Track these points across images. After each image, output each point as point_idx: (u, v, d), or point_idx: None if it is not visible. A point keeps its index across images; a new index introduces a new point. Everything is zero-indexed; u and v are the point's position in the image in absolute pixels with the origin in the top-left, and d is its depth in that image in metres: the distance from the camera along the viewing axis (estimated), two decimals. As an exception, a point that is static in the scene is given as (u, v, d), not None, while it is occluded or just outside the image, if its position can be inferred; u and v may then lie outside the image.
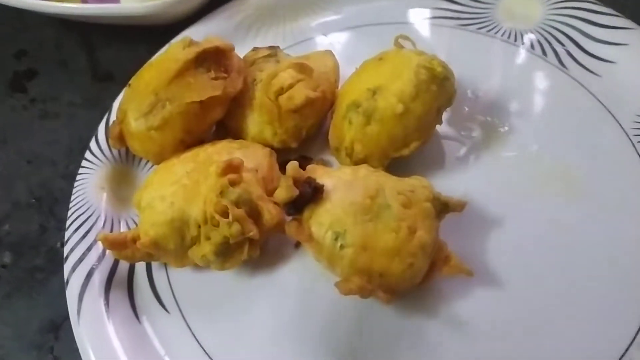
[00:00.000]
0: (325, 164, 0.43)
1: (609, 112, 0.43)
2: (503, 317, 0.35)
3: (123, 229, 0.42)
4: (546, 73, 0.46)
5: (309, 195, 0.35)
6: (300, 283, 0.38)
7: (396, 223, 0.34)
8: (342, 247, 0.33)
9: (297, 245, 0.40)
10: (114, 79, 0.55)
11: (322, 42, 0.52)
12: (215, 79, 0.40)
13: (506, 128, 0.44)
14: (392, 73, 0.39)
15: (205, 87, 0.40)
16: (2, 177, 0.48)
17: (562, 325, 0.35)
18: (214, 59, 0.41)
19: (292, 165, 0.36)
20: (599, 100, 0.44)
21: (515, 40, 0.48)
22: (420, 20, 0.51)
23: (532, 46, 0.48)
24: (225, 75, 0.41)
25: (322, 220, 0.34)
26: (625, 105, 0.43)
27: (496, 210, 0.40)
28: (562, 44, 0.47)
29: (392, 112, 0.37)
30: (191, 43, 0.41)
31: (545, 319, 0.35)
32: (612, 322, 0.35)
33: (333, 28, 0.52)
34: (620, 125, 0.43)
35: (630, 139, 0.42)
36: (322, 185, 0.35)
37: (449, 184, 0.41)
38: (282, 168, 0.41)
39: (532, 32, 0.48)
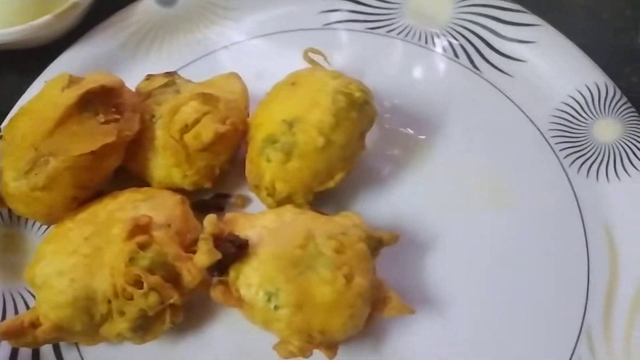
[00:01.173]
0: (244, 200, 0.40)
1: (524, 113, 0.43)
2: (449, 345, 0.35)
3: (20, 305, 0.36)
4: (460, 76, 0.45)
5: (233, 255, 0.31)
6: (233, 339, 0.35)
7: (331, 273, 0.31)
8: (276, 307, 0.31)
9: (225, 298, 0.36)
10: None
11: (225, 56, 0.47)
12: (106, 122, 0.35)
13: (425, 139, 0.42)
14: (308, 101, 0.36)
15: (95, 134, 0.34)
16: None
17: (507, 341, 0.35)
18: (101, 99, 0.35)
19: (210, 221, 0.32)
20: (513, 102, 0.44)
21: (427, 42, 0.47)
22: (326, 25, 0.48)
23: (443, 49, 0.46)
24: (118, 116, 0.36)
25: (250, 281, 0.31)
26: (538, 105, 0.43)
27: (426, 231, 0.39)
28: (473, 44, 0.46)
29: (313, 146, 0.35)
30: (71, 82, 0.36)
31: (489, 339, 0.35)
32: (554, 333, 0.35)
33: (235, 39, 0.48)
34: (536, 126, 0.43)
35: (547, 140, 0.42)
36: (247, 241, 0.32)
37: (376, 208, 0.39)
38: (198, 209, 0.38)
39: (442, 33, 0.47)
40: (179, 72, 0.44)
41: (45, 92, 0.36)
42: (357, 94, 0.36)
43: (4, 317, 0.35)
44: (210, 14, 0.48)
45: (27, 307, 0.36)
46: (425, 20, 0.48)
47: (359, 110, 0.36)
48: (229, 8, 0.48)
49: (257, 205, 0.39)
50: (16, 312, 0.36)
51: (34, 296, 0.36)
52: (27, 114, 0.35)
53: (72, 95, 0.34)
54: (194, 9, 0.48)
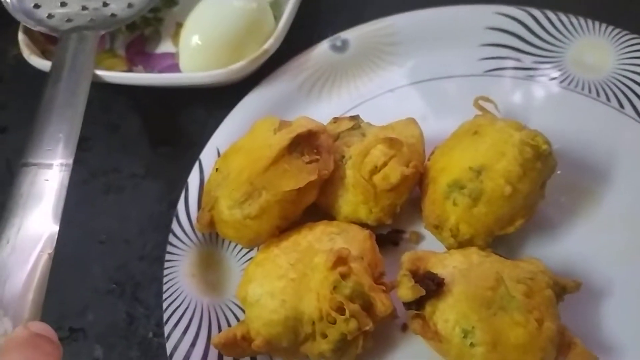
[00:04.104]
0: (418, 236, 0.43)
1: (696, 165, 0.43)
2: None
3: (221, 318, 0.41)
4: (625, 127, 0.46)
5: (433, 292, 0.34)
6: (412, 368, 0.38)
7: (523, 316, 0.33)
8: (472, 345, 0.33)
9: (405, 328, 0.39)
10: (173, 145, 0.53)
11: (390, 99, 0.51)
12: (309, 162, 0.40)
13: (592, 187, 0.44)
14: (494, 150, 0.38)
15: (302, 172, 0.39)
16: (75, 260, 0.47)
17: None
18: (305, 141, 0.40)
19: (408, 258, 0.36)
20: (683, 154, 0.44)
21: (590, 91, 0.48)
22: (487, 72, 0.51)
23: (607, 98, 0.47)
24: (318, 157, 0.40)
25: (447, 317, 0.34)
26: None
27: (599, 280, 0.39)
28: (638, 95, 0.47)
29: (500, 194, 0.37)
30: (281, 125, 0.40)
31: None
32: None
33: (399, 83, 0.51)
34: None
35: None
36: (443, 279, 0.35)
37: (547, 253, 0.40)
38: (376, 243, 0.41)
39: (605, 83, 0.48)
40: (349, 114, 0.49)
41: (257, 132, 0.41)
42: (544, 147, 0.38)
43: (209, 328, 0.40)
44: (378, 60, 0.52)
45: (227, 318, 0.41)
46: (587, 69, 0.49)
47: (543, 161, 0.38)
48: (394, 54, 0.52)
49: (428, 243, 0.42)
50: (219, 323, 0.41)
51: (231, 311, 0.41)
52: (242, 151, 0.40)
53: (286, 138, 0.39)
54: (363, 55, 0.52)
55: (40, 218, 0.38)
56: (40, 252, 0.36)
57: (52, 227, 0.38)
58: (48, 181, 0.40)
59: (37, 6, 0.54)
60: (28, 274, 0.35)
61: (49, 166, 0.41)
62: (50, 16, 0.54)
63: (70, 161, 0.42)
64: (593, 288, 0.39)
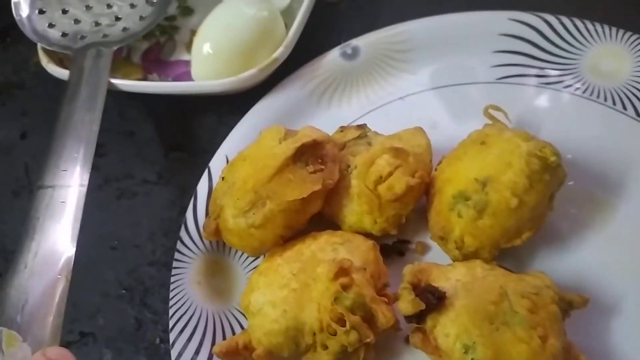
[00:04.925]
0: (424, 247, 0.42)
1: None
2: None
3: (226, 326, 0.41)
4: (641, 136, 0.45)
5: (434, 306, 0.34)
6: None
7: (526, 332, 0.33)
8: (473, 360, 0.32)
9: (408, 340, 0.39)
10: (185, 151, 0.54)
11: (401, 107, 0.50)
12: (314, 172, 0.40)
13: (605, 197, 0.42)
14: (500, 162, 0.37)
15: (306, 182, 0.39)
16: (88, 265, 0.48)
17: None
18: (310, 151, 0.40)
19: (410, 270, 0.35)
20: None
21: (605, 99, 0.47)
22: (500, 79, 0.50)
23: (623, 106, 0.46)
24: (322, 166, 0.40)
25: (448, 331, 0.33)
26: None
27: (610, 293, 0.38)
28: (656, 104, 0.45)
29: (506, 207, 0.36)
30: (286, 135, 0.41)
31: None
32: None
33: (409, 91, 0.51)
34: None
35: None
36: (445, 293, 0.34)
37: (556, 265, 0.40)
38: (381, 253, 0.41)
39: (621, 90, 0.47)
40: (358, 121, 0.48)
41: (263, 141, 0.41)
42: (552, 158, 0.37)
43: (214, 335, 0.41)
44: (388, 67, 0.52)
45: (231, 327, 0.41)
46: (603, 76, 0.47)
47: (551, 173, 0.37)
48: (405, 61, 0.52)
49: (435, 253, 0.42)
50: (223, 331, 0.41)
51: (236, 318, 0.42)
52: (248, 160, 0.41)
53: (290, 147, 0.39)
54: (374, 62, 0.52)
55: (57, 241, 0.38)
56: (58, 276, 0.36)
57: (69, 250, 0.38)
58: (64, 203, 0.40)
59: (51, 26, 0.54)
60: (46, 298, 0.35)
61: (65, 188, 0.41)
62: (64, 34, 0.54)
63: (86, 181, 0.42)
64: (603, 303, 0.38)
